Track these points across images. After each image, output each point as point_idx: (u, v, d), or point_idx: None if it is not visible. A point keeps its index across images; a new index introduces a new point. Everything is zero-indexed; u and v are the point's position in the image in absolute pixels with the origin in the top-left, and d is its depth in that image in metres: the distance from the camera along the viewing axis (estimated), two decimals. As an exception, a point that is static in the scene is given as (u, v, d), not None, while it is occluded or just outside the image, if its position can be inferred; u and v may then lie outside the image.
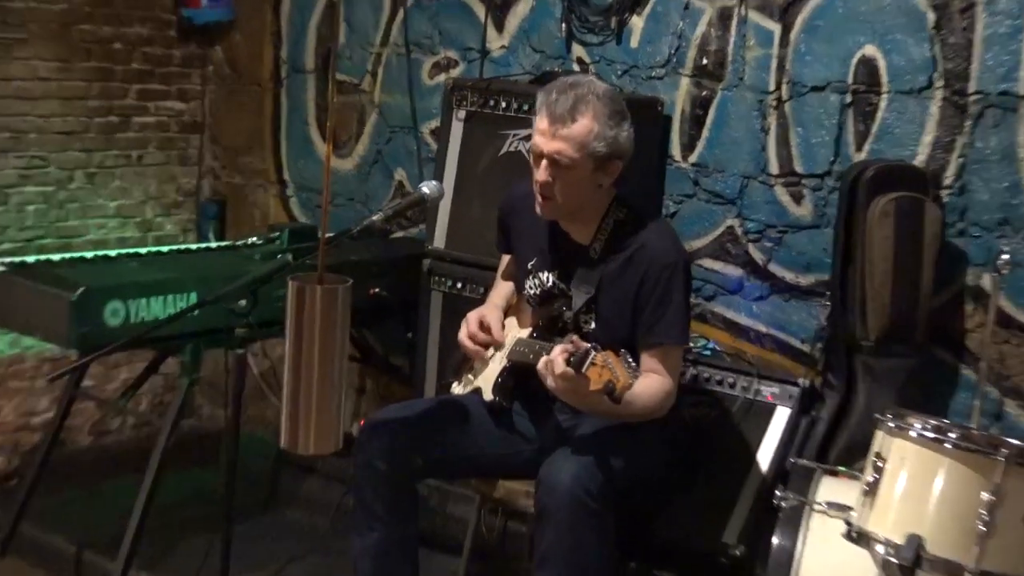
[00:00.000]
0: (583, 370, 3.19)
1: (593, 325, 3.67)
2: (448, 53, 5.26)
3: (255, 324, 3.30)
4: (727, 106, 4.59)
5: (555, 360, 3.26)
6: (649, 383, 3.52)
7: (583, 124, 3.46)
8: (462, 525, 4.38)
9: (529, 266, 3.82)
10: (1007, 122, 4.04)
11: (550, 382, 3.32)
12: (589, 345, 3.24)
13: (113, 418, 5.91)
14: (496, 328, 3.82)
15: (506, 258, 4.03)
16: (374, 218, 3.49)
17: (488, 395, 3.81)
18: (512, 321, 3.89)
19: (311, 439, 3.19)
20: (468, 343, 3.81)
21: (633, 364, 3.19)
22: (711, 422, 4.27)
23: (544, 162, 3.52)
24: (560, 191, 3.55)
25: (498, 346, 3.81)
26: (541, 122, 3.51)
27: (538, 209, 3.63)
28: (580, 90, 3.49)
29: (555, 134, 3.47)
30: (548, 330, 3.74)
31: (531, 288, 3.79)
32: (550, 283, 3.73)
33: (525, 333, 3.78)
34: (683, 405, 4.04)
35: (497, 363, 3.82)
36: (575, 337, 3.39)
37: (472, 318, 3.84)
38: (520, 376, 3.71)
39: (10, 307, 4.15)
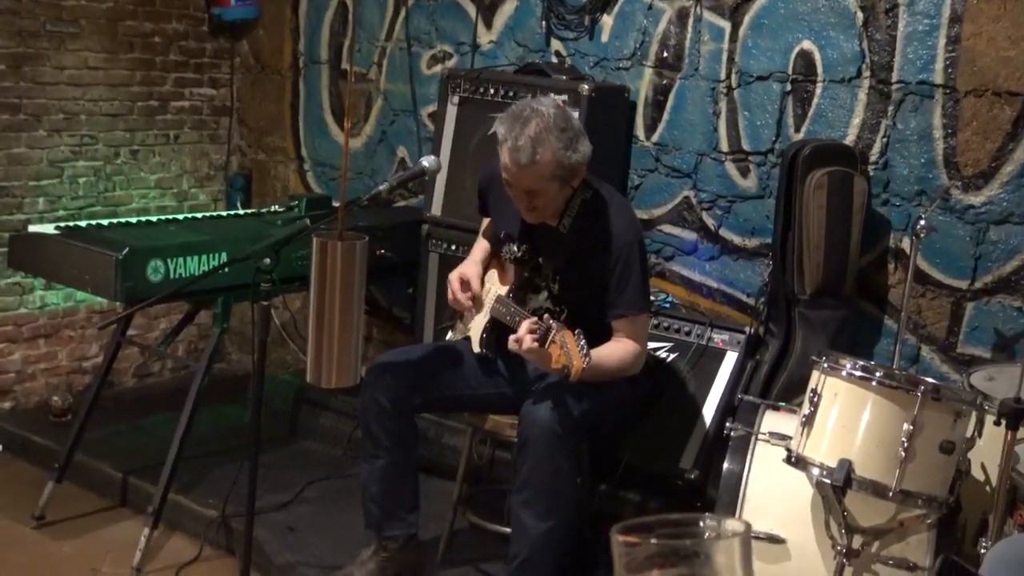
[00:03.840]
0: (546, 346, 3.23)
1: (559, 289, 3.66)
2: (444, 47, 5.22)
3: (277, 280, 3.27)
4: (684, 93, 4.57)
5: (523, 339, 3.28)
6: (619, 347, 3.55)
7: (544, 161, 3.40)
8: (456, 453, 4.38)
9: (502, 235, 3.80)
10: (924, 107, 4.03)
11: (521, 352, 3.33)
12: (550, 323, 3.26)
13: (154, 362, 5.90)
14: (475, 284, 3.80)
15: (486, 219, 4.01)
16: (381, 188, 3.45)
17: (476, 348, 3.80)
18: (493, 274, 3.87)
19: (333, 374, 3.18)
20: (456, 301, 3.80)
21: (586, 347, 3.19)
22: (670, 364, 4.28)
23: (519, 192, 3.50)
24: (541, 205, 3.53)
25: (479, 300, 3.80)
26: (508, 166, 3.44)
27: (528, 218, 3.61)
28: (534, 128, 3.39)
29: (523, 176, 3.43)
30: (523, 289, 3.73)
31: (506, 253, 3.78)
32: (520, 252, 3.72)
33: (504, 290, 3.76)
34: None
35: (482, 316, 3.81)
36: (544, 315, 3.39)
37: (454, 279, 3.81)
38: (501, 329, 3.70)
39: (65, 265, 4.13)
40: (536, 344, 3.25)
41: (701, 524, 1.01)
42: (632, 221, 3.67)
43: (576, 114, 4.20)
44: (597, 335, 3.51)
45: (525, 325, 3.30)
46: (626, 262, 3.53)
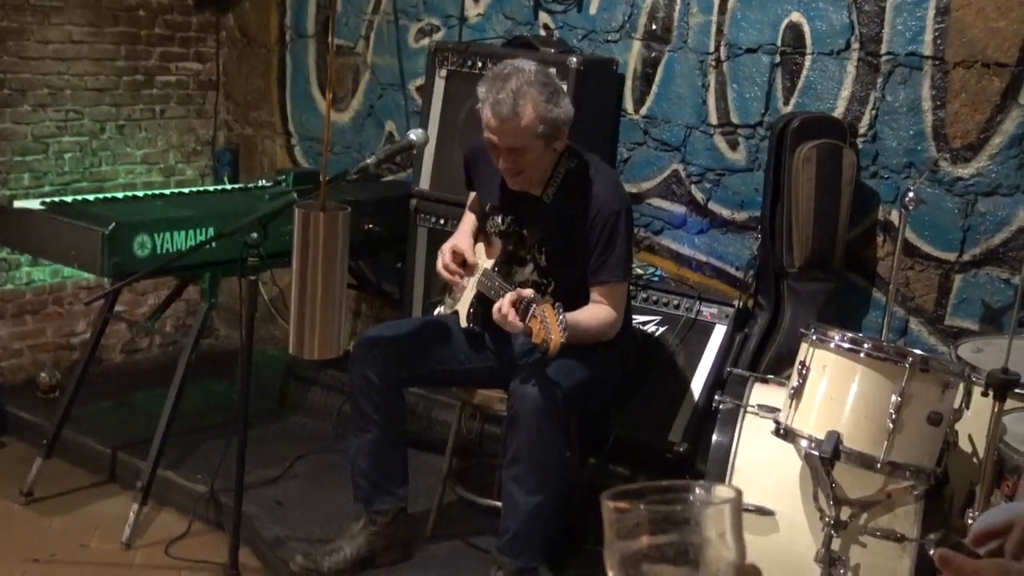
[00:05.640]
0: (527, 320, 3.24)
1: (545, 261, 3.67)
2: (431, 20, 5.19)
3: (265, 255, 3.27)
4: (673, 66, 4.56)
5: (507, 315, 3.29)
6: (596, 311, 3.56)
7: (527, 116, 3.40)
8: (445, 428, 4.38)
9: (488, 208, 3.80)
10: (913, 79, 4.03)
11: (504, 327, 3.35)
12: (531, 297, 3.28)
13: (142, 338, 5.89)
14: (469, 254, 3.80)
15: (473, 193, 4.00)
16: (368, 161, 3.45)
17: (464, 323, 3.81)
18: (480, 248, 3.86)
19: (316, 346, 3.17)
20: (446, 273, 3.79)
21: (564, 319, 3.20)
22: (659, 338, 4.28)
23: (502, 152, 3.50)
24: (524, 167, 3.52)
25: (471, 271, 3.80)
26: (490, 121, 3.45)
27: (511, 184, 3.60)
28: (515, 83, 3.41)
29: (505, 131, 3.43)
30: (508, 262, 3.74)
31: (491, 227, 3.78)
32: (506, 225, 3.72)
33: (490, 264, 3.76)
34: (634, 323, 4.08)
35: (470, 290, 3.81)
36: (520, 290, 3.40)
37: (446, 249, 3.80)
38: (487, 304, 3.70)
39: (52, 241, 4.12)
40: (519, 321, 3.26)
41: (692, 490, 1.01)
42: (618, 190, 3.67)
43: (565, 87, 4.19)
44: (582, 306, 3.54)
45: (507, 299, 3.31)
46: (611, 231, 3.53)
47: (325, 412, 5.06)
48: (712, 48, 4.44)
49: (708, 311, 4.28)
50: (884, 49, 4.07)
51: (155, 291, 5.75)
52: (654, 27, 4.57)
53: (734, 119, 4.42)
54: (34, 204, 4.24)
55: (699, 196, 4.55)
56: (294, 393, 5.24)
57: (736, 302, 4.27)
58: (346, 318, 5.24)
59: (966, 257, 4.00)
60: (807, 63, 4.24)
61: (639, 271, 4.52)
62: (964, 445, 3.25)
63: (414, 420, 4.44)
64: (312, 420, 5.09)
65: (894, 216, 4.09)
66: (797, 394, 3.11)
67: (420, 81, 5.14)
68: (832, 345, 3.06)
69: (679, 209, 4.61)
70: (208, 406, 5.03)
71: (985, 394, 2.87)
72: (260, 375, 5.05)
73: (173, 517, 4.29)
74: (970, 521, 2.88)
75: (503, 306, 3.31)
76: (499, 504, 3.67)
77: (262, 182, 4.98)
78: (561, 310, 3.22)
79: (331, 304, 3.15)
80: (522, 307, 3.27)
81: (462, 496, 4.11)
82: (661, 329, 4.29)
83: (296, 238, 3.14)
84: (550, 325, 3.18)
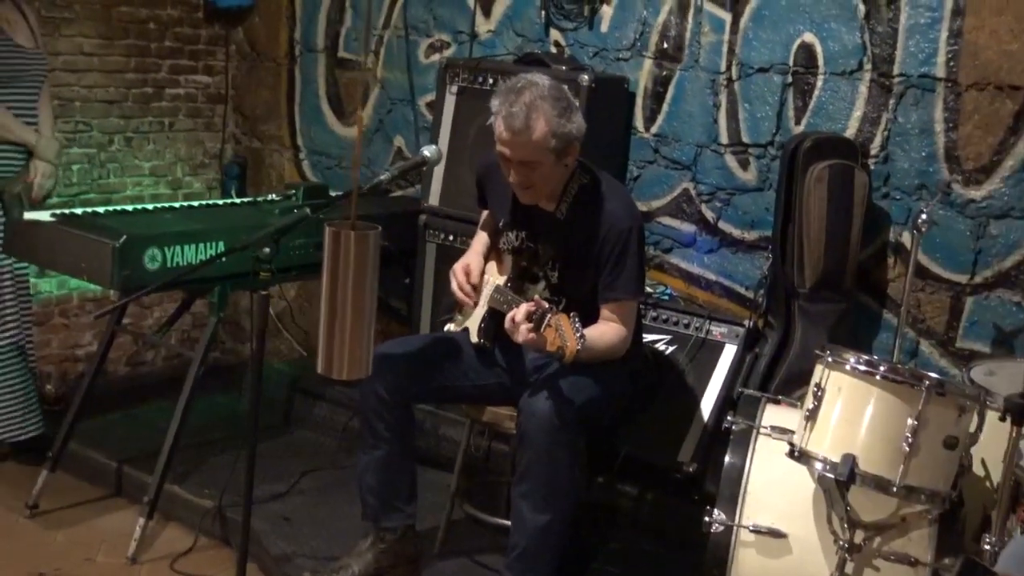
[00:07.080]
0: (541, 330, 3.21)
1: (557, 278, 3.65)
2: (442, 36, 5.19)
3: (276, 269, 3.24)
4: (684, 84, 4.55)
5: (519, 324, 3.26)
6: (606, 330, 3.54)
7: (539, 130, 3.39)
8: (453, 445, 4.36)
9: (501, 225, 3.78)
10: (926, 101, 4.02)
11: (516, 337, 3.31)
12: (547, 307, 3.25)
13: (147, 351, 5.86)
14: (475, 273, 3.78)
15: (485, 212, 3.99)
16: (382, 177, 3.44)
17: (474, 338, 3.78)
18: (492, 266, 3.85)
19: (345, 366, 3.12)
20: (459, 293, 3.77)
21: (580, 328, 3.19)
22: (668, 357, 4.26)
23: (513, 164, 3.48)
24: (535, 181, 3.51)
25: (479, 289, 3.78)
26: (502, 134, 3.44)
27: (521, 198, 3.59)
28: (528, 96, 3.40)
29: (517, 144, 3.42)
30: (520, 278, 3.72)
31: (504, 243, 3.76)
32: (519, 241, 3.71)
33: (502, 280, 3.74)
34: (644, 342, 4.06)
35: (481, 306, 3.79)
36: (536, 297, 3.39)
37: (458, 269, 3.79)
38: (499, 319, 3.68)
39: (60, 252, 4.08)
40: (532, 334, 3.24)
41: None
42: (630, 207, 3.65)
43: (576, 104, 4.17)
44: (594, 322, 3.51)
45: (523, 308, 3.28)
46: (623, 249, 3.51)
47: (331, 427, 5.04)
48: (724, 67, 4.43)
49: (718, 331, 4.26)
50: (897, 70, 4.06)
51: (160, 304, 5.74)
52: (665, 46, 4.56)
53: (745, 138, 4.41)
54: (44, 216, 4.21)
55: (709, 215, 4.53)
56: (300, 408, 5.22)
57: (746, 322, 4.25)
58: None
59: (978, 279, 3.98)
60: (819, 83, 4.23)
61: (648, 290, 4.50)
62: (977, 469, 3.23)
63: (422, 437, 4.41)
64: (318, 435, 5.06)
65: (906, 238, 4.08)
66: (812, 416, 3.08)
67: (430, 97, 5.13)
68: (848, 367, 3.04)
69: (689, 228, 4.59)
70: (213, 420, 5.01)
71: (1003, 419, 2.85)
72: (266, 389, 4.97)
73: (179, 532, 4.25)
74: (986, 547, 2.85)
75: (517, 315, 3.28)
76: (507, 522, 3.64)
77: (272, 196, 4.95)
78: (577, 320, 3.20)
79: (360, 323, 3.10)
80: (536, 317, 3.24)
81: (470, 514, 4.08)
82: (671, 348, 4.27)
83: (326, 257, 3.09)
84: (565, 333, 3.16)
